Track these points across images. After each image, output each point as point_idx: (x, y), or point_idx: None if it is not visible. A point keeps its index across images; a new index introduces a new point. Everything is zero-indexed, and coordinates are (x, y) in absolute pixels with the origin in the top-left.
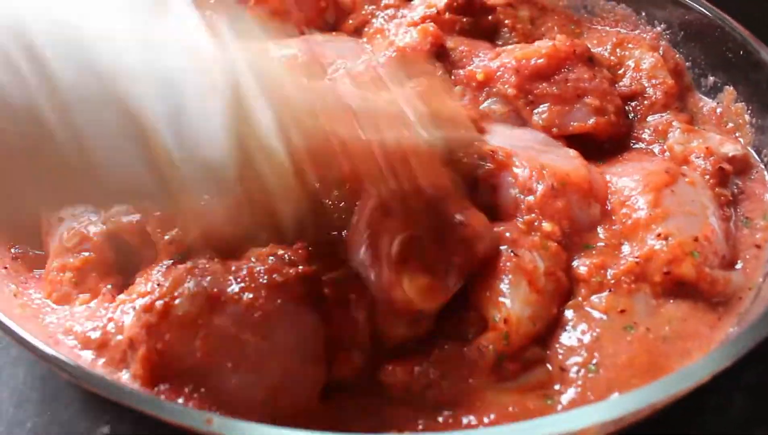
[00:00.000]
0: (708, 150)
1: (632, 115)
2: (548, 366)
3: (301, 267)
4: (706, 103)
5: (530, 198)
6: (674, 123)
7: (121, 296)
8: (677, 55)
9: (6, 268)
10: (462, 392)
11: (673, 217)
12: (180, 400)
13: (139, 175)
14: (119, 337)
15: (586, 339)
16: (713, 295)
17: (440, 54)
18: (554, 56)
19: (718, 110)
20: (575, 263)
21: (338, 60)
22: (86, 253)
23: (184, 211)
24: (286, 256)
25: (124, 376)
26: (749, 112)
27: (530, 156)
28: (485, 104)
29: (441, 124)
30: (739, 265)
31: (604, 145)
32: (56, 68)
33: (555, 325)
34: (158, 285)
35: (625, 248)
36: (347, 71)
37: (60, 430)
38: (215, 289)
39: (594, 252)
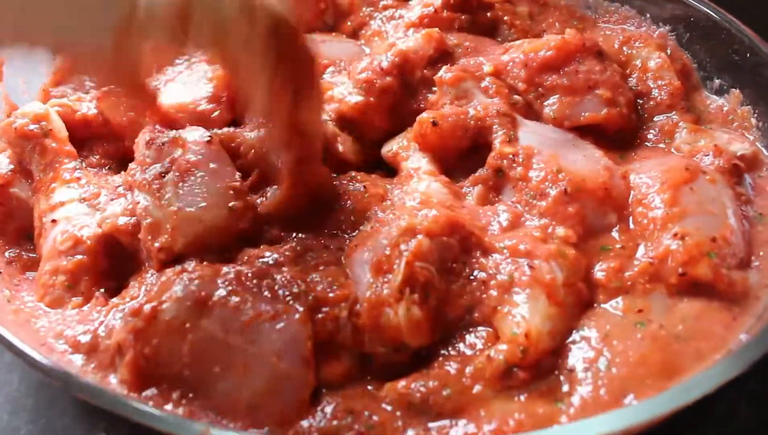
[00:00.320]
0: (717, 148)
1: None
2: (557, 372)
3: (287, 269)
4: (713, 102)
5: (542, 203)
6: (681, 123)
7: (114, 300)
8: (685, 56)
9: (0, 272)
10: (465, 401)
11: (692, 216)
12: (168, 406)
13: None
14: (109, 341)
15: (594, 335)
16: (730, 296)
17: (444, 57)
18: (563, 49)
19: (725, 108)
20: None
21: (337, 60)
22: (79, 257)
23: (174, 218)
24: (273, 258)
25: (113, 382)
26: (756, 115)
27: (552, 156)
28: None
29: None
30: (755, 264)
31: (613, 138)
32: None
33: None
34: (147, 289)
35: (642, 248)
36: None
37: None
38: (203, 293)
39: (612, 254)
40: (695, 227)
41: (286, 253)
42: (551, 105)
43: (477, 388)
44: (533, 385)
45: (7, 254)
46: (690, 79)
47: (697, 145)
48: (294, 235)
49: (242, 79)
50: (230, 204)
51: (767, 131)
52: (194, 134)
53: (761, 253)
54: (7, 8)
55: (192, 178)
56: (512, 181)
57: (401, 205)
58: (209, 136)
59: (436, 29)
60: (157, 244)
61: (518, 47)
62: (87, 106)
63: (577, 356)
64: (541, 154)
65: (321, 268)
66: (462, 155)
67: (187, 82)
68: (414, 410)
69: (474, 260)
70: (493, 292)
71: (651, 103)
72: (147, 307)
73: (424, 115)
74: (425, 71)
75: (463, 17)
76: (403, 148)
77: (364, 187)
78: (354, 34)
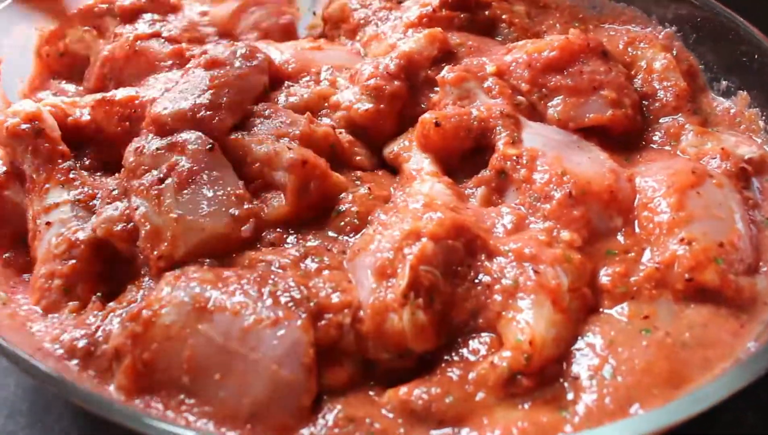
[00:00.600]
0: (724, 151)
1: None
2: (561, 380)
3: (288, 273)
4: (720, 103)
5: (547, 206)
6: (687, 125)
7: (111, 304)
8: (691, 57)
9: None
10: (468, 409)
11: (698, 220)
12: (169, 413)
13: None
14: (106, 346)
15: (599, 343)
16: (738, 302)
17: (447, 57)
18: (567, 49)
19: (732, 110)
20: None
21: (326, 66)
22: (74, 261)
23: (174, 225)
24: (274, 261)
25: (111, 388)
26: (763, 118)
27: (557, 158)
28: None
29: None
30: (764, 269)
31: (618, 140)
32: None
33: None
34: (145, 293)
35: (648, 253)
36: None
37: None
38: (203, 298)
39: (617, 259)
40: (702, 232)
41: (288, 256)
42: (555, 106)
43: (480, 396)
44: (537, 393)
45: (5, 256)
46: (696, 81)
47: (703, 148)
48: (296, 236)
49: None
50: (232, 211)
51: None
52: (196, 141)
53: None
54: None
55: (193, 185)
56: (516, 183)
57: (404, 208)
58: (211, 144)
59: (439, 29)
60: (156, 253)
61: (521, 47)
62: (80, 111)
63: (581, 363)
64: (546, 156)
65: (323, 272)
66: (464, 156)
67: (183, 90)
68: (416, 417)
69: (479, 264)
70: (498, 297)
71: (656, 104)
72: (145, 312)
73: (426, 115)
74: (429, 72)
75: (462, 16)
76: (404, 148)
77: (369, 188)
78: (349, 39)
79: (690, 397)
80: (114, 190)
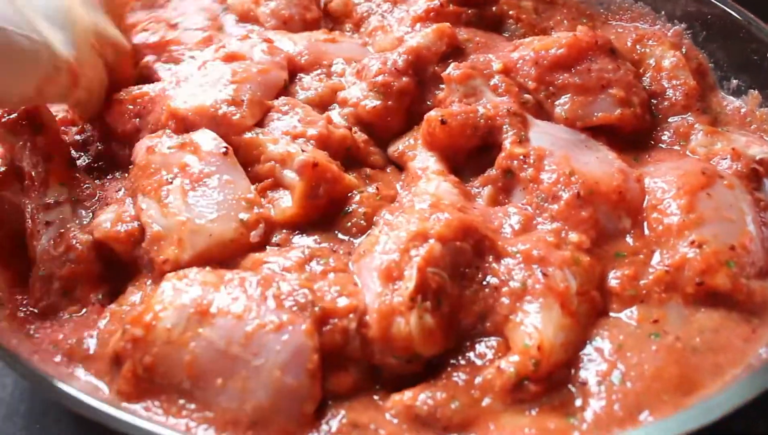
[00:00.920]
0: (735, 152)
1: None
2: (569, 385)
3: (293, 275)
4: (730, 103)
5: (554, 206)
6: (696, 125)
7: (111, 307)
8: (701, 54)
9: None
10: (474, 415)
11: (709, 223)
12: (168, 419)
13: None
14: (106, 349)
15: (607, 347)
16: (749, 307)
17: (454, 52)
18: (575, 46)
19: (743, 110)
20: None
21: (338, 59)
22: (74, 263)
23: (181, 229)
24: (278, 263)
25: (108, 391)
26: None
27: (564, 157)
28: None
29: None
30: None
31: (626, 139)
32: None
33: None
34: (146, 296)
35: (657, 255)
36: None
37: None
38: (205, 301)
39: (626, 261)
40: (713, 235)
41: (293, 258)
42: (563, 104)
43: (486, 401)
44: (545, 399)
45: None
46: (706, 79)
47: (713, 148)
48: (301, 236)
49: None
50: (242, 216)
51: None
52: (210, 144)
53: None
54: None
55: (203, 188)
56: (522, 182)
57: (410, 208)
58: (225, 148)
59: (447, 24)
60: (162, 257)
61: (528, 44)
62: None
63: (590, 369)
64: (553, 155)
65: (329, 274)
66: (470, 154)
67: (203, 84)
68: (421, 423)
69: (487, 265)
70: (505, 300)
71: (665, 103)
72: (146, 315)
73: (432, 113)
74: (436, 67)
75: (469, 11)
76: (409, 147)
77: (377, 188)
78: (353, 31)
79: (701, 406)
80: (118, 190)
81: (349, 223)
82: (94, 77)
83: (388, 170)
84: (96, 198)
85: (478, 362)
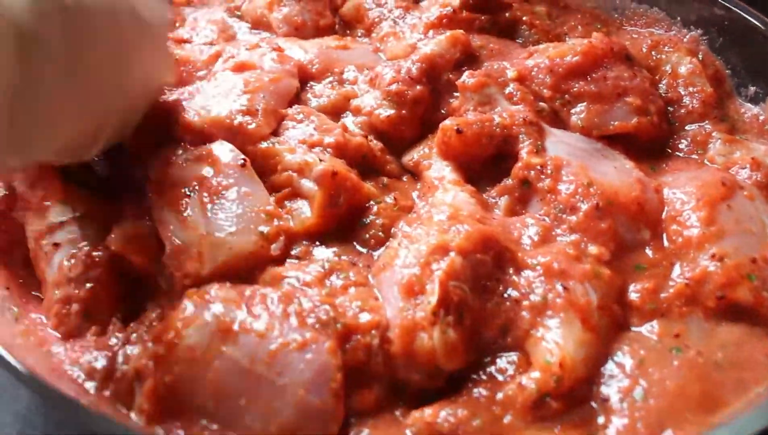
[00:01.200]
0: (754, 161)
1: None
2: (591, 402)
3: (314, 291)
4: (748, 110)
5: (573, 217)
6: (714, 133)
7: (133, 325)
8: (717, 61)
9: (8, 288)
10: (496, 432)
11: (729, 235)
12: None
13: None
14: (126, 367)
15: (629, 363)
16: None
17: (468, 60)
18: (590, 54)
19: (761, 117)
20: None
21: (349, 67)
22: (91, 283)
23: (201, 243)
24: (298, 277)
25: (128, 411)
26: None
27: (582, 167)
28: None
29: None
30: None
31: (643, 148)
32: None
33: None
34: (167, 313)
35: (677, 268)
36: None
37: None
38: (227, 319)
39: (646, 274)
40: (733, 247)
41: (312, 272)
42: (578, 113)
43: (508, 418)
44: (566, 416)
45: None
46: (723, 86)
47: (732, 157)
48: (320, 248)
49: None
50: (261, 229)
51: None
52: (228, 155)
53: None
54: None
55: (222, 201)
56: (539, 193)
57: (429, 219)
58: (243, 159)
59: (461, 31)
60: (182, 271)
61: (543, 52)
62: None
63: (611, 385)
64: (571, 165)
65: (349, 289)
66: (485, 164)
67: (215, 95)
68: None
69: (507, 277)
70: (526, 314)
71: (682, 111)
72: (168, 333)
73: (447, 122)
74: (450, 75)
75: (483, 17)
76: (424, 156)
77: (395, 198)
78: (364, 36)
79: (726, 429)
80: (134, 204)
81: (368, 235)
82: None
83: (404, 179)
84: (106, 213)
85: (499, 377)
